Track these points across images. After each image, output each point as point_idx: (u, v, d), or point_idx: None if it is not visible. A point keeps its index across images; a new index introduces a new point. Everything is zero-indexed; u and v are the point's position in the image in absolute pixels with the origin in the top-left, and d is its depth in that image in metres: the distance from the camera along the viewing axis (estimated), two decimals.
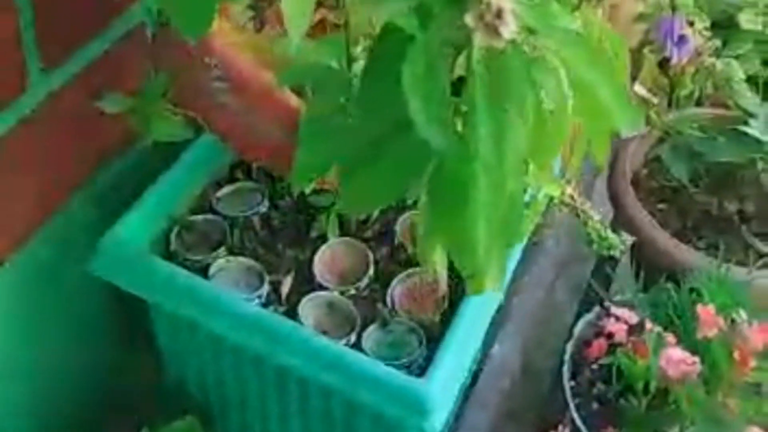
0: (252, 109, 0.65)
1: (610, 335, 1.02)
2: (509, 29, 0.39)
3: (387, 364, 0.80)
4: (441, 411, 0.78)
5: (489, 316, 0.84)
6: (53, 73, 0.78)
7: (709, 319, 0.94)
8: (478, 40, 0.39)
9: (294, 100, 0.63)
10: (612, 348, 1.03)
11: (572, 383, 1.17)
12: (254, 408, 0.91)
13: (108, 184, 0.90)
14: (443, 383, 0.79)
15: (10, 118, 0.76)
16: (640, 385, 1.03)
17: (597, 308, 1.28)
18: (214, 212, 0.91)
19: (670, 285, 1.20)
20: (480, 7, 0.38)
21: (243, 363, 0.88)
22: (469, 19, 0.39)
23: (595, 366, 1.21)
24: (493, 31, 0.39)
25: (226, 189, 0.93)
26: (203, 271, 0.87)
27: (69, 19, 0.77)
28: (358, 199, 0.51)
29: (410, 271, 0.88)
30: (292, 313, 0.85)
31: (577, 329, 1.22)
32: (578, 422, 1.11)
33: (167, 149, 0.85)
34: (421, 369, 0.82)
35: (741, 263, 1.20)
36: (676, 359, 0.97)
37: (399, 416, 0.79)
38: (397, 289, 0.87)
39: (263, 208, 0.91)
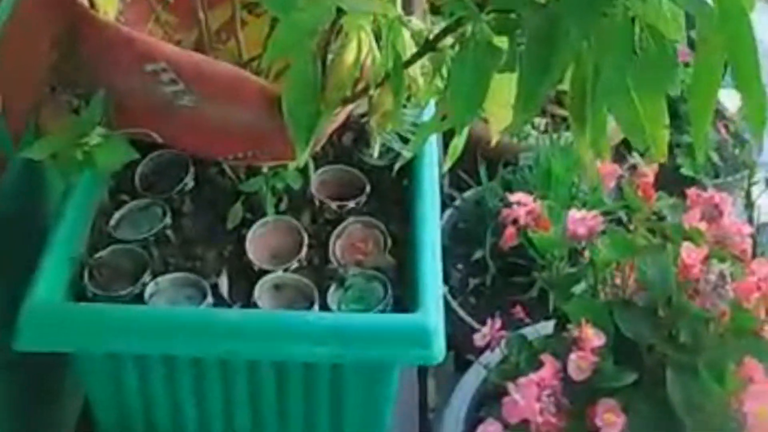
0: (220, 100, 0.60)
1: (515, 221, 1.04)
2: None
3: None
4: (441, 338, 0.77)
5: (438, 237, 0.84)
6: None
7: (606, 170, 0.99)
8: None
9: (264, 81, 0.58)
10: (519, 231, 1.06)
11: (447, 287, 1.19)
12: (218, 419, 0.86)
13: None
14: (435, 310, 0.78)
15: None
16: (549, 256, 1.08)
17: (450, 210, 1.31)
18: (117, 241, 0.84)
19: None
20: None
21: (206, 374, 0.82)
22: None
23: (460, 266, 1.25)
24: None
25: (118, 215, 0.86)
26: (136, 302, 0.80)
27: None
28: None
29: (343, 225, 0.86)
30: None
31: None
32: (468, 319, 1.14)
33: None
34: (396, 310, 0.80)
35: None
36: (579, 218, 1.01)
37: (400, 358, 0.78)
38: (337, 245, 0.85)
39: (169, 219, 0.85)
